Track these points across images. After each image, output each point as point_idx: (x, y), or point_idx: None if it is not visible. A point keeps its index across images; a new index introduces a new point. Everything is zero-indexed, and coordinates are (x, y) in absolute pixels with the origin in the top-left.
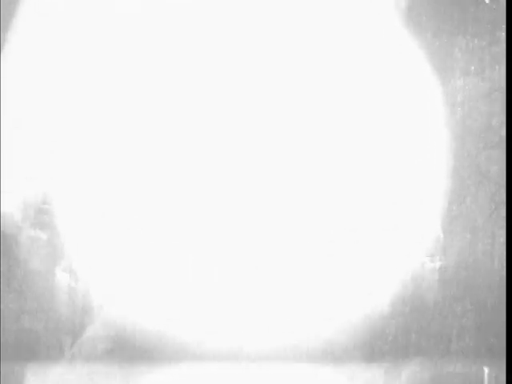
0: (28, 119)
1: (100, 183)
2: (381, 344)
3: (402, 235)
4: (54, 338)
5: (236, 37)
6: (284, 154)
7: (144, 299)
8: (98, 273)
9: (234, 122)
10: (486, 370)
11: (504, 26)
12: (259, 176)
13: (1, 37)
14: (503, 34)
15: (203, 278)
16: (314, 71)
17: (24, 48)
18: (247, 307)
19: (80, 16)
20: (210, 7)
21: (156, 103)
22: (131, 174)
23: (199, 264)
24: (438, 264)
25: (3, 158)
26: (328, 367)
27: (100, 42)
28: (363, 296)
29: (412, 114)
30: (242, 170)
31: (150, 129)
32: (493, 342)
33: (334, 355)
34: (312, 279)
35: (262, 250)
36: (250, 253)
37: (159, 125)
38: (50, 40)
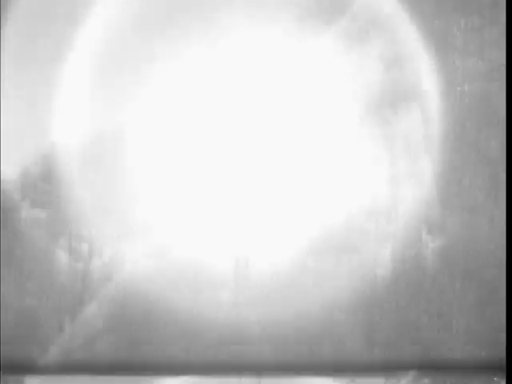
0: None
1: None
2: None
3: (402, 213)
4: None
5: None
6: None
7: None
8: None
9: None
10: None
11: (504, 6)
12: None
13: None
14: (503, 14)
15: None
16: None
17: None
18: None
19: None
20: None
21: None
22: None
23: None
24: (437, 242)
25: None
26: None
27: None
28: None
29: (411, 94)
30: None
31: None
32: (493, 319)
33: None
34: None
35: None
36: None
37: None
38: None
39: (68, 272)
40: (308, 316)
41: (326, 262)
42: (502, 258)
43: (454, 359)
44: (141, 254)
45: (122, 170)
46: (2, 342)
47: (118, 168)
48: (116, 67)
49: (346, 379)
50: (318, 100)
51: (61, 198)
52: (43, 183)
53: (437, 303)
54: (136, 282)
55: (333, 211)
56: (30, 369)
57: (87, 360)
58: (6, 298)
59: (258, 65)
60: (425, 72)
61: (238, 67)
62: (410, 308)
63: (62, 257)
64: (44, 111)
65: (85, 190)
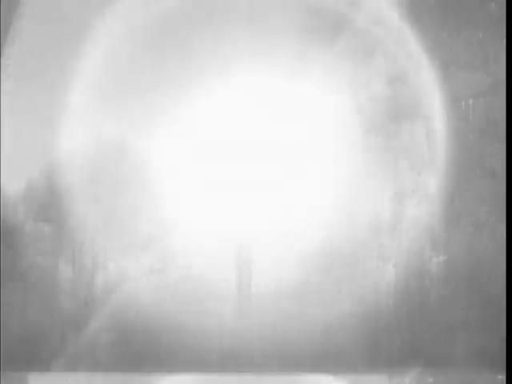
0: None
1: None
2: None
3: (407, 230)
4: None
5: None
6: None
7: None
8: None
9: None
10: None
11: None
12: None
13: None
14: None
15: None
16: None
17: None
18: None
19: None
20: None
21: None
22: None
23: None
24: (441, 258)
25: (3, 152)
26: None
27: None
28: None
29: (414, 108)
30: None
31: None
32: (495, 336)
33: None
34: None
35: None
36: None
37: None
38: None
39: (71, 286)
40: (311, 330)
41: (329, 277)
42: (503, 271)
43: (456, 373)
44: (144, 267)
45: (126, 183)
46: (5, 356)
47: (121, 182)
48: (118, 81)
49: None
50: (322, 117)
51: (64, 212)
52: (47, 197)
53: (440, 318)
54: (139, 296)
55: (336, 226)
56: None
57: (90, 373)
58: (10, 311)
59: (264, 81)
60: (429, 87)
61: (243, 81)
62: (413, 323)
63: (66, 271)
64: (47, 126)
65: (88, 204)
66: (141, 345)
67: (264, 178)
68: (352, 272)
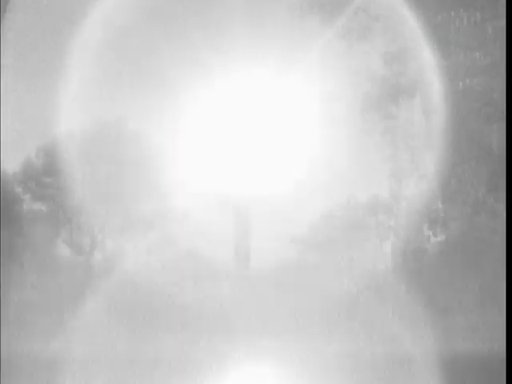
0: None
1: None
2: None
3: (405, 208)
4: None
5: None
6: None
7: None
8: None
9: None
10: None
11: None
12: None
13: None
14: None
15: None
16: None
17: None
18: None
19: None
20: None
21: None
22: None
23: None
24: (439, 238)
25: (3, 128)
26: None
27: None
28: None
29: (412, 87)
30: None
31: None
32: (493, 314)
33: None
34: None
35: None
36: None
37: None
38: None
39: (69, 265)
40: (308, 309)
41: (326, 256)
42: (503, 251)
43: (454, 352)
44: (142, 247)
45: (124, 163)
46: (3, 334)
47: (119, 161)
48: (115, 62)
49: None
50: (320, 96)
51: (62, 191)
52: (45, 176)
53: (438, 297)
54: (137, 275)
55: (334, 205)
56: (32, 362)
57: (88, 353)
58: (7, 290)
59: (260, 61)
60: (427, 67)
61: (241, 65)
62: (409, 302)
63: (64, 250)
64: (45, 105)
65: (86, 184)
66: (138, 323)
67: (261, 156)
68: (350, 250)
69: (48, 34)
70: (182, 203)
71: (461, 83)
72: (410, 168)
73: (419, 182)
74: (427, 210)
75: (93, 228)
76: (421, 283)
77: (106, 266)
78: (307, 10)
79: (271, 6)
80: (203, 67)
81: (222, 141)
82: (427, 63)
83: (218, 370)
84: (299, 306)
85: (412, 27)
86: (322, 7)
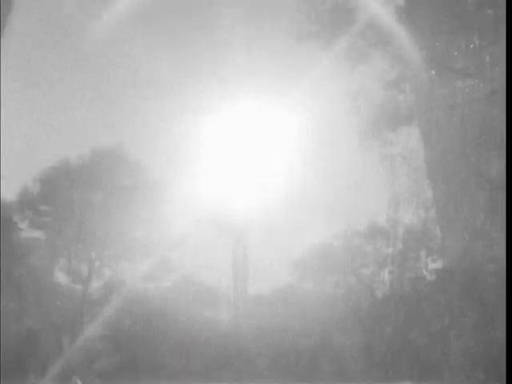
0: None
1: None
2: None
3: (402, 235)
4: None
5: None
6: None
7: None
8: None
9: None
10: None
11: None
12: None
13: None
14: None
15: None
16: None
17: None
18: None
19: None
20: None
21: None
22: None
23: None
24: (437, 265)
25: (3, 157)
26: None
27: None
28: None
29: (410, 114)
30: None
31: None
32: (492, 343)
33: None
34: None
35: None
36: None
37: None
38: None
39: (67, 293)
40: (307, 336)
41: (324, 284)
42: (502, 280)
43: (452, 380)
44: (140, 275)
45: (122, 190)
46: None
47: (117, 188)
48: (113, 87)
49: None
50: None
51: (60, 219)
52: (42, 204)
53: (435, 324)
54: (135, 303)
55: (332, 232)
56: None
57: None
58: (5, 318)
59: (258, 86)
60: (425, 93)
61: (239, 90)
62: (408, 329)
63: (61, 278)
64: (44, 134)
65: (84, 211)
66: (136, 352)
67: (260, 183)
68: (347, 277)
69: (45, 54)
70: (180, 230)
71: (460, 110)
72: (409, 195)
73: (417, 209)
74: (425, 237)
75: (90, 256)
76: (419, 309)
77: (103, 293)
78: (306, 36)
79: (270, 31)
80: (202, 94)
81: (221, 166)
82: (426, 90)
83: None
84: (295, 332)
85: (410, 54)
86: (321, 33)
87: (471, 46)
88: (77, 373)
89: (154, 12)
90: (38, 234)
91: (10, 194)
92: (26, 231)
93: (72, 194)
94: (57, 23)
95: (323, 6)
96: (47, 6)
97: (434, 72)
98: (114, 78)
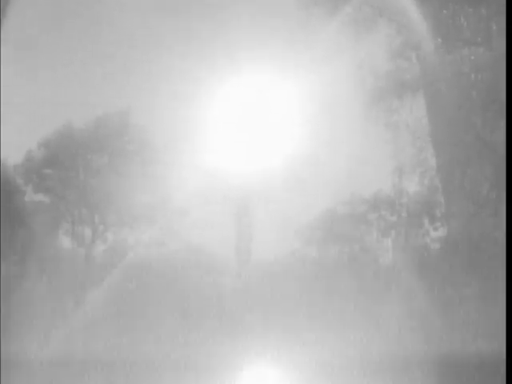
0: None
1: None
2: None
3: (407, 204)
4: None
5: None
6: None
7: None
8: None
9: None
10: None
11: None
12: None
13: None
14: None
15: None
16: None
17: None
18: None
19: None
20: None
21: None
22: None
23: None
24: (440, 233)
25: (3, 120)
26: None
27: None
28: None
29: (416, 82)
30: None
31: None
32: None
33: None
34: None
35: None
36: None
37: None
38: None
39: (70, 256)
40: (310, 304)
41: (328, 251)
42: (503, 248)
43: (453, 350)
44: (143, 240)
45: (127, 155)
46: (3, 327)
47: (122, 153)
48: (118, 54)
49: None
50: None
51: (64, 183)
52: (46, 168)
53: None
54: (138, 268)
55: (337, 200)
56: (32, 358)
57: (89, 347)
58: (8, 281)
59: (262, 55)
60: (431, 61)
61: (245, 57)
62: (411, 297)
63: (65, 242)
64: (48, 96)
65: (88, 176)
66: (137, 315)
67: (264, 151)
68: (351, 245)
69: (50, 28)
70: (183, 197)
71: (465, 79)
72: (413, 164)
73: (422, 177)
74: (429, 205)
75: (94, 220)
76: (422, 278)
77: (107, 257)
78: (311, 2)
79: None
80: (207, 59)
81: (224, 135)
82: (432, 58)
83: (218, 368)
84: (300, 301)
85: (417, 21)
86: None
87: (478, 15)
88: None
89: None
90: (41, 197)
91: (15, 158)
92: (30, 195)
93: (76, 158)
94: None
95: None
96: None
97: (440, 40)
98: (121, 42)
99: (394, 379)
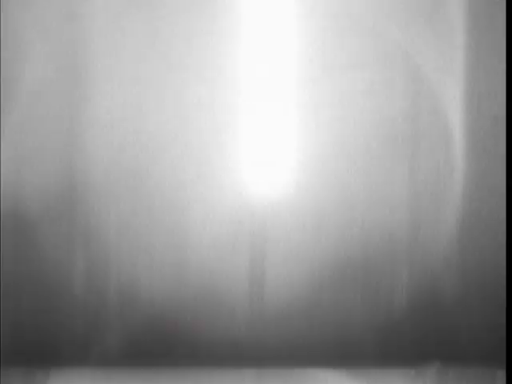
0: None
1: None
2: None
3: (420, 232)
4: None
5: None
6: None
7: None
8: None
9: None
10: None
11: None
12: None
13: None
14: None
15: None
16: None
17: None
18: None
19: None
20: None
21: None
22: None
23: None
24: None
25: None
26: None
27: None
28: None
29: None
30: None
31: None
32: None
33: None
34: None
35: None
36: None
37: None
38: None
39: (84, 290)
40: (324, 337)
41: (342, 295)
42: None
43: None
44: (158, 273)
45: (143, 186)
46: (14, 350)
47: (138, 184)
48: (130, 84)
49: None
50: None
51: (81, 213)
52: (63, 197)
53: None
54: (152, 302)
55: (349, 230)
56: None
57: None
58: (19, 313)
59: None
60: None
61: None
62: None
63: (79, 274)
64: (65, 123)
65: (105, 206)
66: (153, 341)
67: (278, 183)
68: (365, 280)
69: (50, 36)
70: (196, 233)
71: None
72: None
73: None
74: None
75: (109, 253)
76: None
77: (120, 291)
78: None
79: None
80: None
81: (239, 169)
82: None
83: None
84: (313, 340)
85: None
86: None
87: None
88: None
89: None
90: (57, 227)
91: (31, 181)
92: (46, 224)
93: (95, 187)
94: None
95: None
96: None
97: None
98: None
99: None
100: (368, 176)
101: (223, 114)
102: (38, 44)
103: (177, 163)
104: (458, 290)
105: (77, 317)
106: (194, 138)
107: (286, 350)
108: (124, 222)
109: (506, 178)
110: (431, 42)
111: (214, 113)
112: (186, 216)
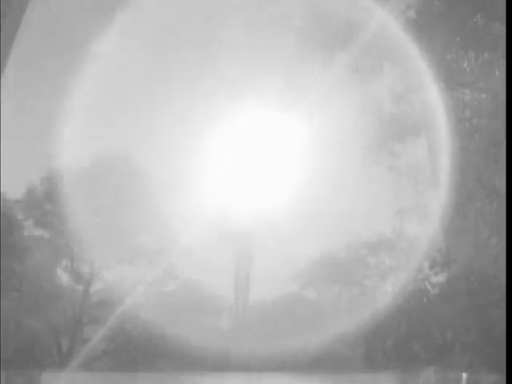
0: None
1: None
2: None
3: (407, 248)
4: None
5: None
6: None
7: None
8: None
9: None
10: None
11: None
12: None
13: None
14: None
15: None
16: None
17: None
18: None
19: None
20: None
21: None
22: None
23: None
24: (441, 278)
25: (3, 157)
26: None
27: None
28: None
29: (418, 126)
30: None
31: None
32: (494, 356)
33: None
34: None
35: None
36: None
37: None
38: None
39: (68, 294)
40: (307, 347)
41: (327, 294)
42: (503, 294)
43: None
44: (141, 279)
45: (127, 193)
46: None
47: (121, 191)
48: (113, 93)
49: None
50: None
51: (64, 219)
52: (47, 203)
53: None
54: (135, 307)
55: (336, 242)
56: None
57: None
58: (6, 315)
59: (265, 97)
60: (434, 106)
61: (245, 102)
62: (410, 342)
63: (63, 278)
64: (48, 134)
65: (89, 214)
66: (137, 352)
67: (265, 192)
68: (350, 290)
69: (51, 62)
70: (183, 237)
71: (467, 123)
72: (414, 207)
73: (423, 221)
74: (429, 249)
75: (92, 257)
76: (420, 323)
77: (104, 295)
78: (314, 46)
79: (276, 41)
80: (207, 103)
81: (225, 176)
82: (434, 103)
83: None
84: (295, 343)
85: (420, 66)
86: (330, 44)
87: (480, 60)
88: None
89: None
90: (41, 232)
91: (16, 193)
92: (30, 229)
93: (76, 195)
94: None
95: (331, 20)
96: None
97: (443, 85)
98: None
99: None
100: None
101: None
102: None
103: None
104: (442, 290)
105: None
106: None
107: None
108: None
109: (506, 178)
110: None
111: None
112: None
